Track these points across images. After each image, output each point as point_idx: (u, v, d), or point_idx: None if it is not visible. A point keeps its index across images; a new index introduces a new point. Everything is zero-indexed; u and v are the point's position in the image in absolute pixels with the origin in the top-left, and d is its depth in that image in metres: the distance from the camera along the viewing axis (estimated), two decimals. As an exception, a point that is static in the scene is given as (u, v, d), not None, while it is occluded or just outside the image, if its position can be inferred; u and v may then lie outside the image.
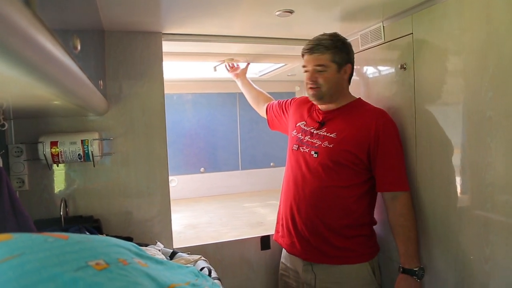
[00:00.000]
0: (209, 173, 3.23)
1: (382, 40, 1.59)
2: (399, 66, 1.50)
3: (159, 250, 1.35)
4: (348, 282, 1.45)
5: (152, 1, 1.29)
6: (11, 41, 0.35)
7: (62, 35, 0.59)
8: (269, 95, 2.04)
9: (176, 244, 1.73)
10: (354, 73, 1.55)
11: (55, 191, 1.56)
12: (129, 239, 1.47)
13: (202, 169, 3.22)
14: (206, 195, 3.17)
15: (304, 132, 1.56)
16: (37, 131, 1.49)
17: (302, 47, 1.48)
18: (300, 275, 1.54)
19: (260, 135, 3.32)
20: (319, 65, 1.42)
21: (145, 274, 0.67)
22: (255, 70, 2.77)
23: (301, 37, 1.77)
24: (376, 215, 1.56)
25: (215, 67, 2.22)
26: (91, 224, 1.48)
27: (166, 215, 1.71)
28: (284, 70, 2.53)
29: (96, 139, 1.50)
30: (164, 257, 1.28)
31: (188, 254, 1.35)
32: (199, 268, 1.12)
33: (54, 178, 1.56)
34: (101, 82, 1.25)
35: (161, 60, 1.69)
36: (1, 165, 1.22)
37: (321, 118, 1.53)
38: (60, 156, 1.44)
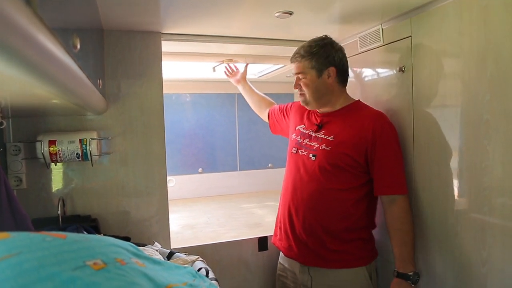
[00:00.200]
0: (207, 174, 3.23)
1: (381, 43, 1.60)
2: (397, 68, 1.51)
3: (157, 250, 1.35)
4: (344, 286, 1.45)
5: (152, 1, 1.29)
6: (11, 40, 0.35)
7: (62, 34, 0.59)
8: (271, 100, 2.04)
9: (174, 245, 1.73)
10: (352, 75, 1.55)
11: (53, 190, 1.56)
12: (126, 239, 1.46)
13: (200, 170, 3.22)
14: (204, 195, 3.17)
15: (303, 135, 1.56)
16: (35, 129, 1.49)
17: None
18: (297, 276, 1.54)
19: (259, 136, 3.32)
20: (299, 73, 1.49)
21: (142, 274, 0.67)
22: (254, 71, 2.77)
23: (300, 38, 1.78)
24: (377, 219, 1.56)
25: (214, 68, 2.22)
26: (88, 224, 1.48)
27: (164, 215, 1.71)
28: (283, 71, 2.53)
29: (95, 139, 1.50)
30: (161, 257, 1.28)
31: (185, 254, 1.35)
32: (197, 269, 1.12)
33: (52, 177, 1.56)
34: (100, 81, 1.25)
35: (160, 60, 1.69)
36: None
37: (319, 121, 1.53)
38: (58, 155, 1.44)
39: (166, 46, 1.73)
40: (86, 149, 1.46)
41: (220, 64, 2.16)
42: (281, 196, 1.63)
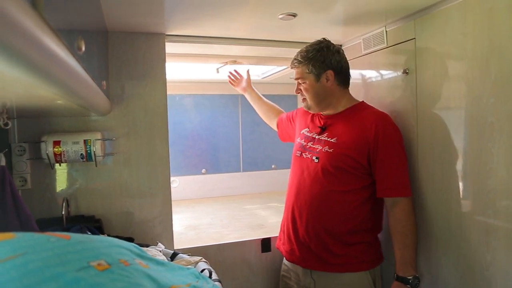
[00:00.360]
0: (211, 175, 3.24)
1: (385, 45, 1.59)
2: (401, 70, 1.50)
3: (160, 251, 1.35)
4: None
5: (156, 2, 1.30)
6: (17, 42, 0.35)
7: (67, 36, 0.60)
8: (279, 108, 2.02)
9: (177, 245, 1.73)
10: (356, 77, 1.55)
11: (57, 190, 1.56)
12: (130, 239, 1.47)
13: (203, 170, 3.22)
14: (207, 196, 3.18)
15: (307, 138, 1.56)
16: (40, 130, 1.50)
17: None
18: (301, 278, 1.53)
19: (262, 137, 3.32)
20: (298, 78, 1.51)
21: (146, 275, 0.68)
22: (258, 72, 2.78)
23: (304, 40, 1.78)
24: (383, 222, 1.53)
25: (217, 69, 2.23)
26: (92, 224, 1.49)
27: (167, 216, 1.72)
28: (286, 73, 2.53)
29: (99, 139, 1.50)
30: (165, 258, 1.29)
31: (189, 255, 1.35)
32: (200, 270, 1.12)
33: (57, 178, 1.57)
34: (104, 83, 1.25)
35: (164, 61, 1.70)
36: (4, 164, 1.22)
37: (322, 123, 1.53)
38: (62, 155, 1.44)
39: (170, 47, 1.74)
40: (90, 150, 1.47)
41: (224, 65, 2.16)
42: (286, 200, 1.63)
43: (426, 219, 1.41)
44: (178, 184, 3.07)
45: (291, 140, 1.82)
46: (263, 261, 1.85)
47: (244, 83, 2.03)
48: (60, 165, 1.55)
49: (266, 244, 1.84)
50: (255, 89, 2.03)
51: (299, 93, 1.53)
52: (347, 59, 1.52)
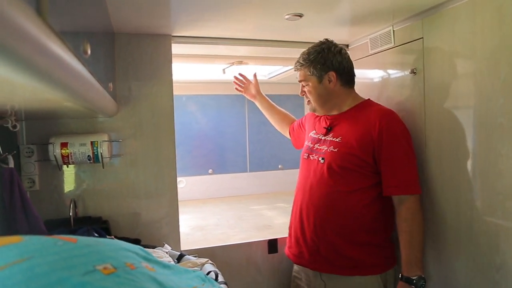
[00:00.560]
0: (217, 175, 3.24)
1: (392, 44, 1.58)
2: (409, 70, 1.49)
3: (167, 253, 1.35)
4: None
5: (162, 4, 1.30)
6: (22, 49, 0.35)
7: (73, 40, 0.60)
8: (292, 116, 1.97)
9: (184, 246, 1.74)
10: (362, 77, 1.53)
11: (65, 192, 1.58)
12: (137, 241, 1.47)
13: (210, 171, 3.23)
14: (214, 196, 3.18)
15: (313, 140, 1.55)
16: (48, 132, 1.51)
17: None
18: (311, 279, 1.51)
19: (269, 137, 3.32)
20: (301, 81, 1.51)
21: (152, 279, 0.68)
22: (264, 72, 2.77)
23: (311, 40, 1.76)
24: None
25: (224, 70, 2.23)
26: (99, 225, 1.49)
27: (174, 217, 1.72)
28: (293, 73, 2.51)
29: (106, 141, 1.51)
30: (171, 259, 1.29)
31: (195, 257, 1.35)
32: (206, 272, 1.12)
33: (64, 179, 1.58)
34: (110, 85, 1.26)
35: (170, 62, 1.70)
36: (13, 166, 1.23)
37: (328, 124, 1.52)
38: (70, 157, 1.45)
39: (176, 48, 1.74)
40: (97, 152, 1.48)
41: (230, 66, 2.16)
42: (293, 202, 1.61)
43: (434, 220, 1.40)
44: (185, 184, 3.08)
45: None
46: (270, 262, 1.84)
47: (252, 90, 1.95)
48: (67, 167, 1.56)
49: (272, 245, 1.84)
50: (265, 95, 1.97)
51: (303, 95, 1.53)
52: (354, 59, 1.51)
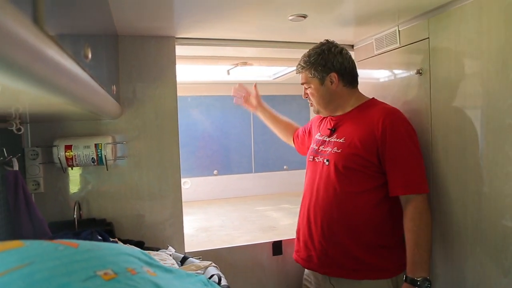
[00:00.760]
0: (222, 176, 3.24)
1: (398, 45, 1.56)
2: (415, 71, 1.47)
3: (170, 255, 1.35)
4: None
5: (165, 6, 1.30)
6: (19, 57, 0.35)
7: (73, 45, 0.60)
8: (295, 124, 1.93)
9: (188, 248, 1.73)
10: (368, 77, 1.51)
11: (70, 194, 1.58)
12: (140, 243, 1.48)
13: (215, 172, 3.23)
14: (219, 197, 3.19)
15: (318, 142, 1.54)
16: (52, 134, 1.52)
17: None
18: (320, 282, 1.49)
19: (273, 138, 3.28)
20: (303, 83, 1.51)
21: (153, 284, 0.67)
22: (269, 73, 2.77)
23: (315, 41, 1.75)
24: None
25: (228, 71, 2.22)
26: (103, 227, 1.50)
27: (178, 218, 1.72)
28: (296, 74, 2.51)
29: (109, 143, 1.51)
30: (174, 262, 1.29)
31: (199, 259, 1.35)
32: (209, 275, 1.12)
33: (69, 181, 1.59)
34: (114, 87, 1.26)
35: (174, 64, 1.70)
36: (17, 169, 1.24)
37: (332, 125, 1.51)
38: (74, 159, 1.46)
39: (180, 49, 1.74)
40: (101, 154, 1.48)
41: (235, 67, 2.16)
42: (300, 206, 1.58)
43: (442, 220, 1.38)
44: (190, 185, 3.08)
45: None
46: (274, 264, 1.83)
47: (253, 101, 1.89)
48: (72, 169, 1.56)
49: (277, 247, 1.83)
50: (266, 106, 1.91)
51: (306, 97, 1.53)
52: (359, 59, 1.49)
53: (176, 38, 1.69)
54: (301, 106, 3.36)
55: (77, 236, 1.27)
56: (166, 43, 1.67)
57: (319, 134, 1.58)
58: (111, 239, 1.35)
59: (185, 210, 1.75)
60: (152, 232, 1.67)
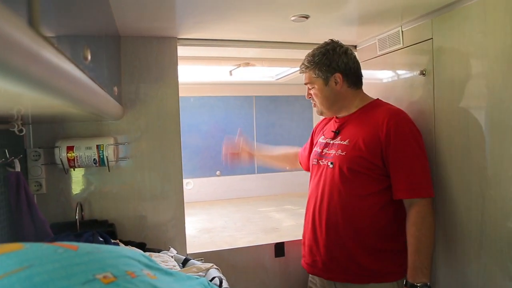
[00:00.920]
0: (225, 176, 3.24)
1: (401, 45, 1.55)
2: (418, 72, 1.46)
3: (172, 257, 1.35)
4: None
5: (167, 7, 1.29)
6: (16, 61, 0.35)
7: (71, 47, 0.59)
8: (293, 148, 1.89)
9: (190, 249, 1.73)
10: (371, 78, 1.50)
11: (71, 195, 1.58)
12: (142, 244, 1.47)
13: (218, 172, 3.23)
14: (222, 198, 3.18)
15: (322, 145, 1.51)
16: (54, 135, 1.52)
17: None
18: (325, 286, 1.48)
19: (276, 139, 3.30)
20: (307, 83, 1.49)
21: (153, 287, 0.67)
22: (272, 73, 2.76)
23: (318, 41, 1.74)
24: None
25: (230, 71, 2.22)
26: (105, 229, 1.49)
27: (180, 220, 1.71)
28: (300, 74, 2.50)
29: (111, 144, 1.51)
30: (176, 264, 1.28)
31: (201, 260, 1.34)
32: (211, 277, 1.11)
33: (71, 182, 1.59)
34: (115, 88, 1.26)
35: (176, 65, 1.69)
36: (19, 170, 1.24)
37: (336, 127, 1.48)
38: (76, 161, 1.46)
39: (182, 50, 1.73)
40: (103, 155, 1.48)
41: (237, 67, 2.15)
42: (306, 210, 1.56)
43: (446, 224, 1.36)
44: (193, 186, 3.08)
45: None
46: (277, 266, 1.82)
47: (245, 154, 1.88)
48: (74, 170, 1.56)
49: (279, 248, 1.82)
50: (258, 149, 1.91)
51: (309, 97, 1.50)
52: (362, 60, 1.48)
53: (178, 38, 1.69)
54: (304, 107, 3.35)
55: (78, 237, 1.27)
56: (168, 44, 1.67)
57: (322, 137, 1.55)
58: (113, 241, 1.35)
59: (187, 210, 1.74)
60: (154, 234, 1.67)
